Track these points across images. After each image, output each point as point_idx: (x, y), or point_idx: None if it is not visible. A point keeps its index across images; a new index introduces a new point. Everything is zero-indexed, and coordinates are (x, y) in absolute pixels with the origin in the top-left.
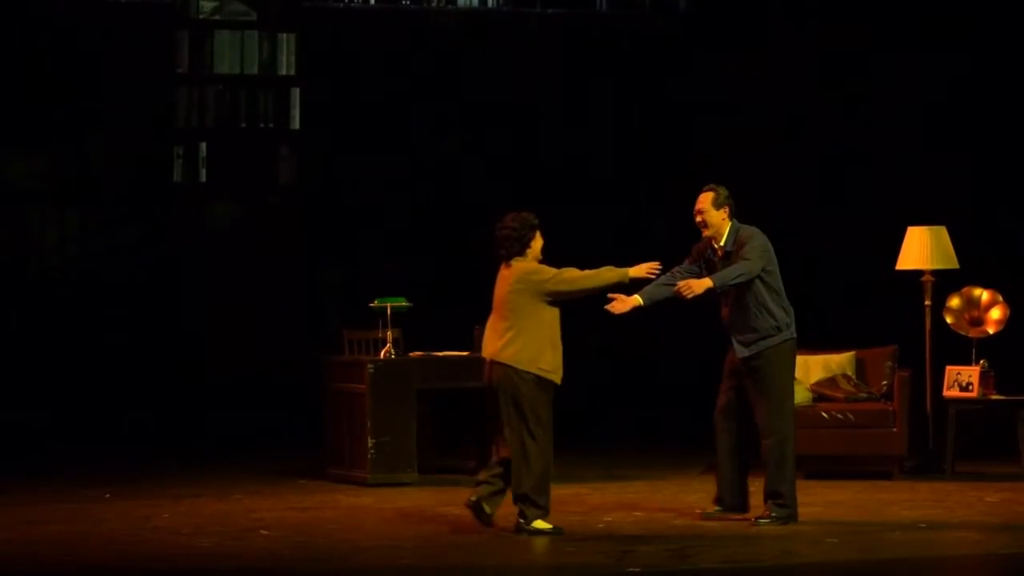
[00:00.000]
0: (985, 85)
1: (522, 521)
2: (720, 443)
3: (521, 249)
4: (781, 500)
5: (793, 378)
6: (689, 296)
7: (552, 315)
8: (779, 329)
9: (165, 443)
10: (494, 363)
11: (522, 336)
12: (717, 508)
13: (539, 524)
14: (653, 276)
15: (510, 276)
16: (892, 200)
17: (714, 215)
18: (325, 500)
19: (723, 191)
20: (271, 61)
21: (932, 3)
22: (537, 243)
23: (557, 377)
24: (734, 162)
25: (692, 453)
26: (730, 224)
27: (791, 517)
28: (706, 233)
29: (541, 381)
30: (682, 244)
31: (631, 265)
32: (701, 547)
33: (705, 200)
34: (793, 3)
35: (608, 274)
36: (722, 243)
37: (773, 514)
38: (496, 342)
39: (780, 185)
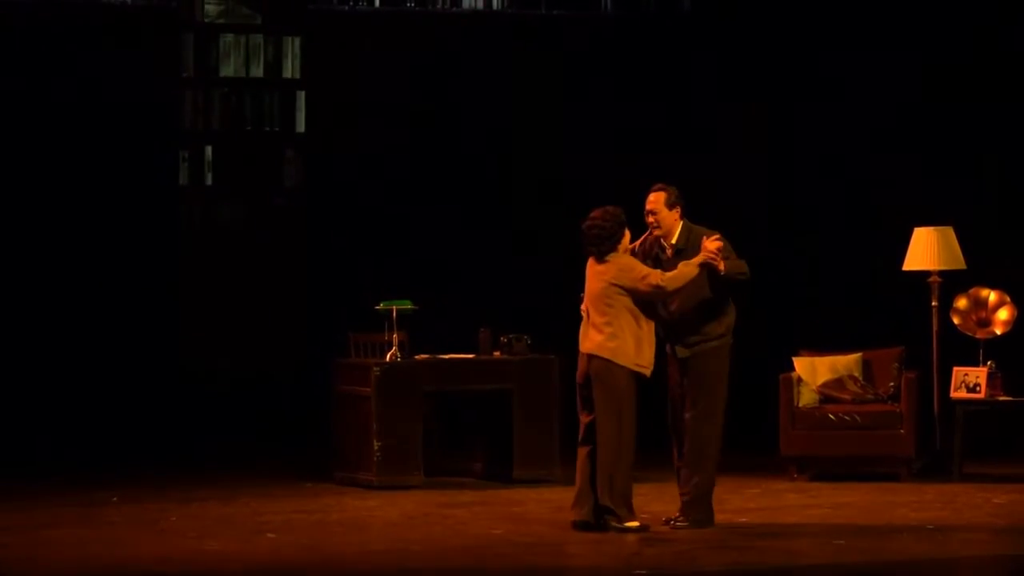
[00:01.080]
0: (985, 84)
1: (615, 523)
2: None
3: (613, 246)
4: (693, 505)
5: (727, 381)
6: (719, 265)
7: (644, 310)
8: (723, 335)
9: (171, 447)
10: (593, 357)
11: (622, 332)
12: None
13: (630, 524)
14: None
15: (606, 272)
16: (899, 200)
17: (667, 215)
18: (331, 503)
19: (674, 191)
20: (276, 64)
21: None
22: (626, 238)
23: (648, 372)
24: (731, 163)
25: None
26: (682, 223)
27: (703, 523)
28: (657, 232)
29: (635, 375)
30: None
31: None
32: (708, 550)
33: (658, 200)
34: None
35: (688, 270)
36: (673, 241)
37: (689, 519)
38: (596, 337)
39: (780, 186)
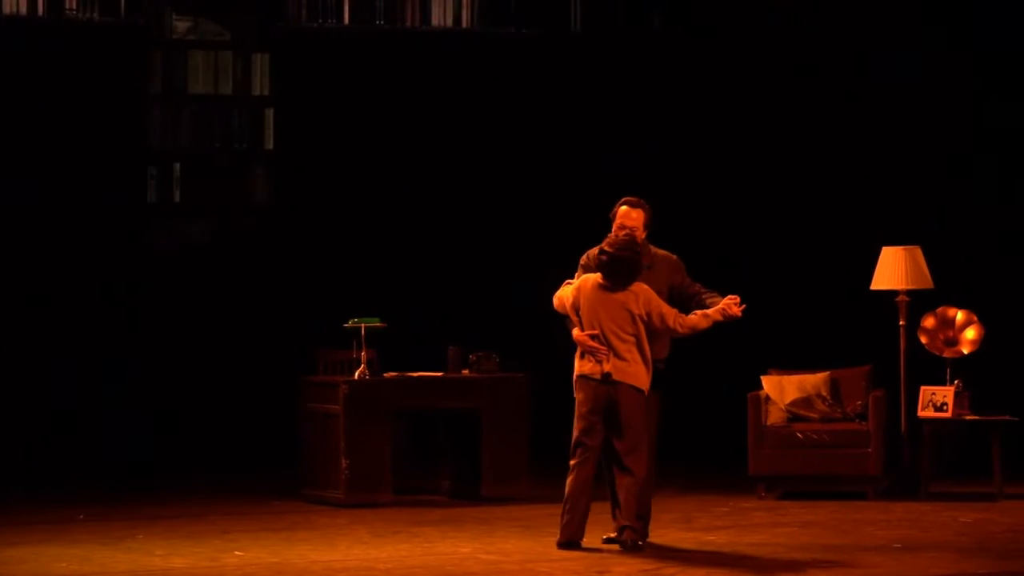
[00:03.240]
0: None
1: (640, 540)
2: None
3: (638, 275)
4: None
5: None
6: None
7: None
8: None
9: (136, 464)
10: (620, 384)
11: (641, 358)
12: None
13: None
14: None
15: (628, 301)
16: (867, 219)
17: (642, 234)
18: (299, 520)
19: (650, 210)
20: (245, 81)
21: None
22: None
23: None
24: (709, 179)
25: (668, 471)
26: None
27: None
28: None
29: (645, 399)
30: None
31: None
32: (677, 567)
33: (639, 219)
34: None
35: (702, 322)
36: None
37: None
38: (619, 363)
39: (755, 202)
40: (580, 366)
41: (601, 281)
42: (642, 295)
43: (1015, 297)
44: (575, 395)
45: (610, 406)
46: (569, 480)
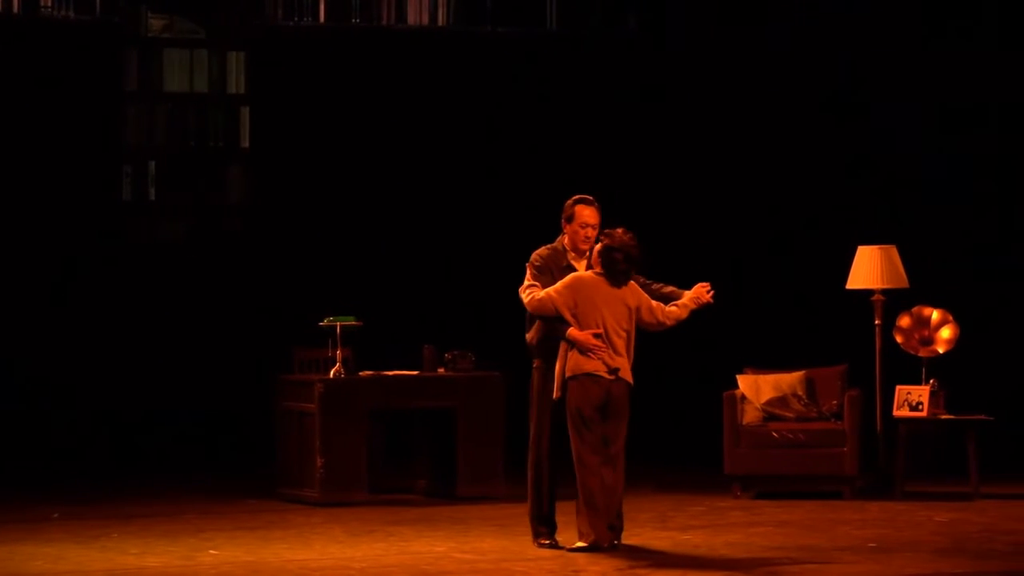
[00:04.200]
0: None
1: (617, 541)
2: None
3: (638, 271)
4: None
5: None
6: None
7: None
8: None
9: (115, 463)
10: (620, 380)
11: (629, 354)
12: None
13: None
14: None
15: (626, 297)
16: (843, 218)
17: (597, 232)
18: (275, 519)
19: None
20: (220, 79)
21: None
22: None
23: None
24: (686, 178)
25: (643, 471)
26: None
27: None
28: (584, 247)
29: None
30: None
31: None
32: (652, 567)
33: (597, 216)
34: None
35: (682, 312)
36: (589, 257)
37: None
38: (618, 359)
39: (731, 204)
40: (581, 365)
41: (602, 278)
42: (635, 289)
43: (990, 296)
44: (568, 395)
45: (606, 403)
46: (593, 482)
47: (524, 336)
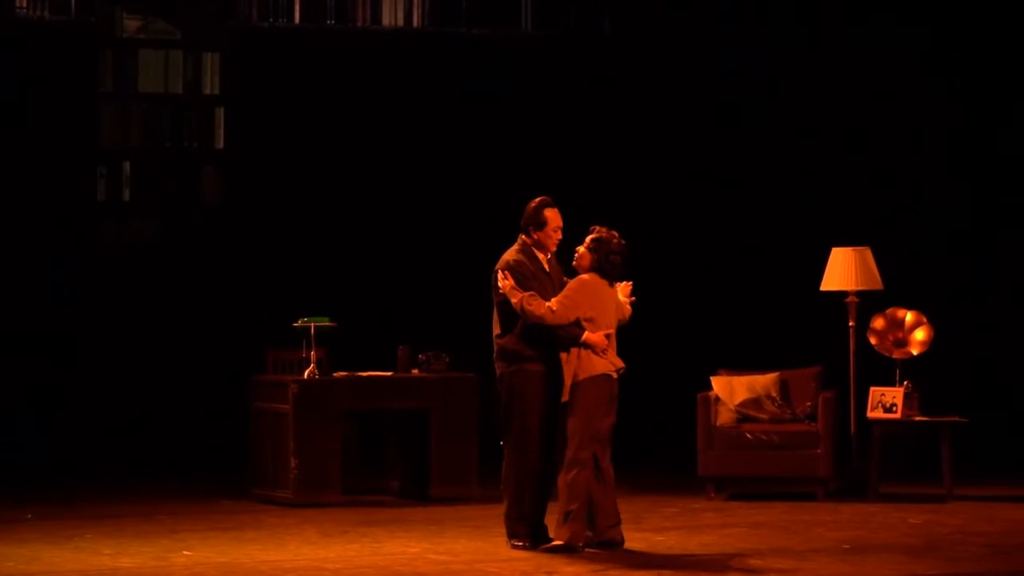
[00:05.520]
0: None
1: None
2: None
3: None
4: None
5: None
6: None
7: None
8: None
9: (86, 463)
10: (618, 378)
11: None
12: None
13: None
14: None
15: (617, 297)
16: (816, 219)
17: None
18: (248, 520)
19: None
20: (195, 80)
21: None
22: None
23: None
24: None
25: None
26: None
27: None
28: (553, 250)
29: None
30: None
31: None
32: (625, 568)
33: (561, 218)
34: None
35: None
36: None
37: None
38: (617, 358)
39: (704, 203)
40: (596, 365)
41: (602, 279)
42: (616, 290)
43: (964, 298)
44: (581, 396)
45: (611, 401)
46: (581, 480)
47: (494, 341)
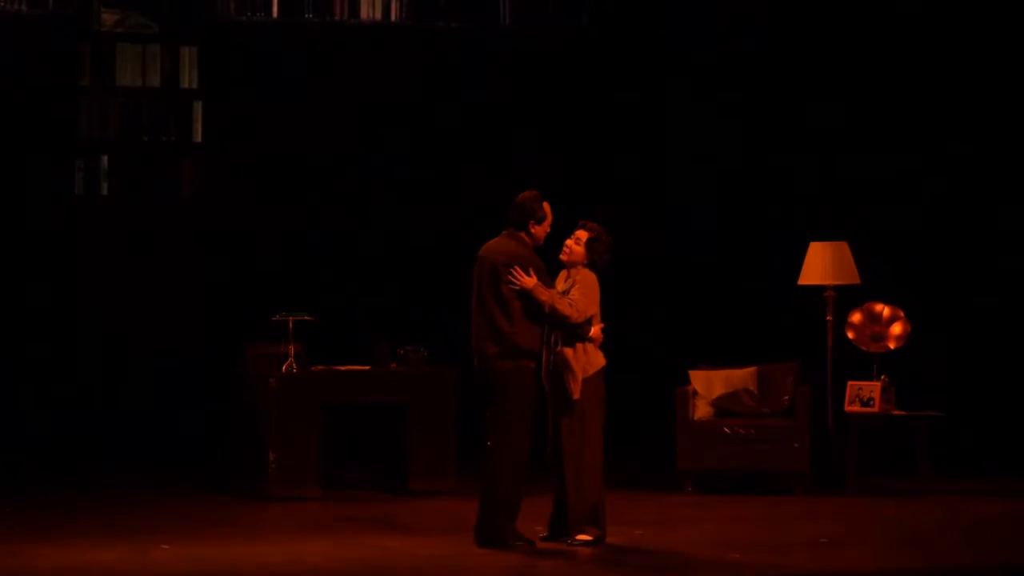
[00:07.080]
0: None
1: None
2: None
3: None
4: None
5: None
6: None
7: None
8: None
9: (66, 458)
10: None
11: None
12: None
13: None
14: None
15: None
16: (796, 214)
17: None
18: (227, 515)
19: None
20: (173, 74)
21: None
22: None
23: None
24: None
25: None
26: None
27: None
28: (541, 243)
29: None
30: None
31: None
32: (604, 564)
33: None
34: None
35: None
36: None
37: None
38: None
39: (683, 199)
40: (599, 360)
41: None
42: None
43: (941, 293)
44: (591, 391)
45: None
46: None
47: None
